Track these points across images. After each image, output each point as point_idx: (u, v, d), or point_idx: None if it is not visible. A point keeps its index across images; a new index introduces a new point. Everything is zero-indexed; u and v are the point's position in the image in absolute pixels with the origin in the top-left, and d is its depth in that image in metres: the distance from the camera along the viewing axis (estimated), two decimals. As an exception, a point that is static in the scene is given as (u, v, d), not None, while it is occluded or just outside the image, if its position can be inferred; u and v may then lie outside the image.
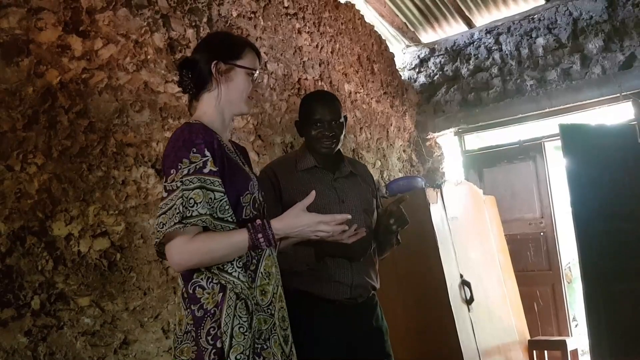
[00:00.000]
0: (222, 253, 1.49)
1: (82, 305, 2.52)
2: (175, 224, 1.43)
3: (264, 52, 3.85)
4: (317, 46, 4.41)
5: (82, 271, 2.54)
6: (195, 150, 1.49)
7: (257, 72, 1.71)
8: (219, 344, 1.45)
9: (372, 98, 5.01)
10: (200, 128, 1.55)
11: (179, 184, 1.47)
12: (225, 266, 1.51)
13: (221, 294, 1.49)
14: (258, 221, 1.53)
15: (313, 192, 1.59)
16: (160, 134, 2.96)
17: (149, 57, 3.00)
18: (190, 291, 1.51)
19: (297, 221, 1.55)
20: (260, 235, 1.50)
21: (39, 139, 2.47)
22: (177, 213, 1.43)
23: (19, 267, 2.33)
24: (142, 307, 2.76)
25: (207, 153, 1.50)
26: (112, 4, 2.85)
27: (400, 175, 5.12)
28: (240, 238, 1.49)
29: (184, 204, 1.44)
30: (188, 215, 1.44)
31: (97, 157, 2.69)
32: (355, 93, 4.79)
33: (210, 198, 1.48)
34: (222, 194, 1.50)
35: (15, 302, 2.30)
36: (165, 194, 1.50)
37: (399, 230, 2.09)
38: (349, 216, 1.61)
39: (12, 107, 2.39)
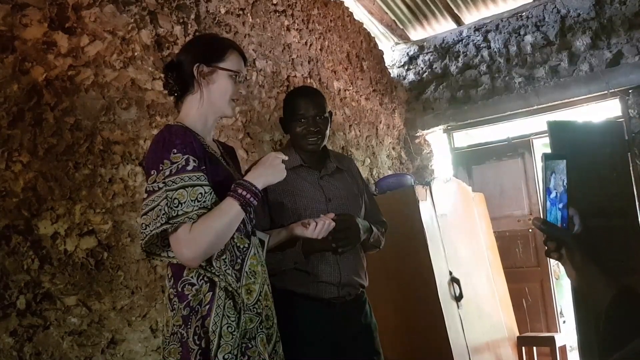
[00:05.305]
0: (221, 225, 1.48)
1: (69, 305, 2.49)
2: (161, 224, 1.44)
3: (253, 49, 3.83)
4: (306, 43, 4.40)
5: (68, 270, 2.52)
6: (175, 151, 1.50)
7: (242, 74, 1.70)
8: (203, 344, 1.46)
9: (361, 95, 5.00)
10: (179, 129, 1.57)
11: (161, 185, 1.48)
12: (214, 262, 1.52)
13: (210, 293, 1.50)
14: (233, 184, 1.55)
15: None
16: (148, 131, 2.94)
17: (136, 54, 2.97)
18: (179, 289, 1.52)
19: (259, 165, 1.62)
20: (240, 190, 1.51)
21: (25, 137, 2.44)
22: (163, 214, 1.45)
23: (4, 266, 2.30)
24: (130, 306, 2.74)
25: (187, 152, 1.52)
26: (99, 0, 2.82)
27: (390, 172, 5.12)
28: (227, 204, 1.50)
29: (168, 204, 1.46)
30: (174, 215, 1.45)
31: (84, 155, 2.66)
32: (345, 90, 4.79)
33: (200, 193, 1.48)
34: (209, 187, 1.51)
35: (0, 302, 2.27)
36: (145, 195, 1.51)
37: (345, 249, 1.98)
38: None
39: (-3, 104, 2.36)
